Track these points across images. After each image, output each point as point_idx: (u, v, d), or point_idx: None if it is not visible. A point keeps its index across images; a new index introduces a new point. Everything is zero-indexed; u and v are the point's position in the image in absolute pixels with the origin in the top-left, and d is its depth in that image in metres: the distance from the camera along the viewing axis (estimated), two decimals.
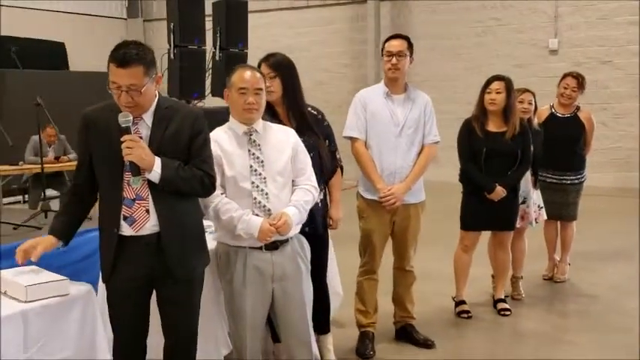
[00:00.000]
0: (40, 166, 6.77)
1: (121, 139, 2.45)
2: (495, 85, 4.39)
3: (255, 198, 2.87)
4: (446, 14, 11.76)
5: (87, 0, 13.96)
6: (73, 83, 9.81)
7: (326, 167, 3.42)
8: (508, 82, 4.40)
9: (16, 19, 11.93)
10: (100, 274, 2.69)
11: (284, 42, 13.02)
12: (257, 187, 2.88)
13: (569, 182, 5.17)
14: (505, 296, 4.78)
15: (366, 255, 3.97)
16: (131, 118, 2.49)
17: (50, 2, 13.02)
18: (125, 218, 2.52)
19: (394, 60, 3.81)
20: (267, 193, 2.88)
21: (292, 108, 3.40)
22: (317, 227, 3.38)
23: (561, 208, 5.20)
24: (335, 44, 12.77)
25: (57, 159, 7.70)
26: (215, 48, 6.35)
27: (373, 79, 11.82)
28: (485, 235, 4.74)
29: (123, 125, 2.47)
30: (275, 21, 13.29)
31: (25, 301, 2.45)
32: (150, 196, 2.53)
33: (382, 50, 3.90)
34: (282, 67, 3.41)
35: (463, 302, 4.63)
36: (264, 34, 13.01)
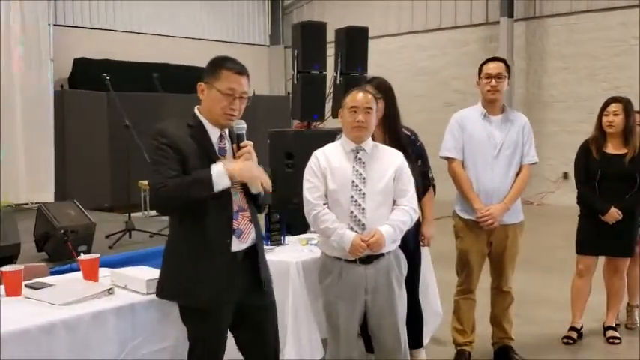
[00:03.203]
0: None
1: (241, 145, 2.57)
2: (613, 107, 4.32)
3: (352, 212, 3.06)
4: (583, 33, 11.35)
5: (232, 28, 14.99)
6: None
7: (416, 187, 3.55)
8: (626, 104, 4.31)
9: (169, 47, 13.09)
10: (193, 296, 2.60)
11: (417, 64, 13.19)
12: (356, 202, 3.07)
13: None
14: (617, 324, 4.60)
15: (463, 274, 4.04)
16: (246, 125, 2.60)
17: (200, 30, 14.11)
18: (233, 231, 2.57)
19: (493, 82, 3.89)
20: (364, 209, 3.07)
21: (391, 129, 3.59)
22: (407, 243, 3.52)
23: None
24: (467, 66, 12.68)
25: None
26: (336, 72, 6.65)
27: (504, 100, 11.63)
28: (602, 260, 4.60)
29: (239, 132, 2.59)
30: (408, 43, 13.49)
31: (146, 293, 2.75)
32: (249, 208, 2.65)
33: (479, 72, 3.98)
34: (386, 89, 3.62)
35: (572, 329, 4.52)
36: (396, 57, 13.26)
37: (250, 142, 2.62)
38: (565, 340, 4.45)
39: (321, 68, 6.40)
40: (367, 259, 3.09)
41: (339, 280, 3.12)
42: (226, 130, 2.67)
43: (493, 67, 3.91)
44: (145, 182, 8.71)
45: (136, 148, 5.81)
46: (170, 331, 2.82)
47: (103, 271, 3.08)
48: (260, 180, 2.54)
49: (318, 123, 6.70)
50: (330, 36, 6.73)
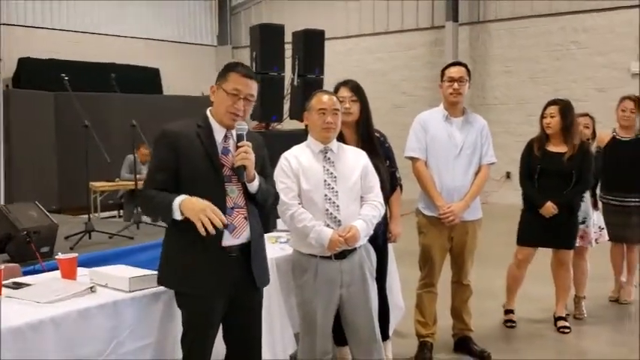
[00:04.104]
0: (134, 182, 7.39)
1: (238, 144, 2.66)
2: (550, 109, 4.64)
3: (327, 209, 3.19)
4: (525, 38, 11.82)
5: (180, 28, 14.89)
6: (166, 106, 10.57)
7: (385, 186, 3.65)
8: (563, 106, 4.60)
9: (115, 46, 12.93)
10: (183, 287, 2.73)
11: (365, 67, 13.41)
12: (330, 199, 3.20)
13: (633, 205, 5.20)
14: (567, 315, 4.88)
15: (426, 269, 4.21)
16: (247, 127, 2.73)
17: (145, 30, 13.96)
18: (226, 226, 2.64)
19: (456, 85, 4.08)
20: (338, 206, 3.20)
21: (364, 131, 3.71)
22: (377, 239, 3.64)
23: (626, 231, 5.24)
24: (414, 68, 13.04)
25: None
26: (293, 74, 6.77)
27: None
28: (548, 254, 4.86)
29: (239, 132, 2.69)
30: (356, 47, 13.72)
31: (129, 291, 2.80)
32: (246, 205, 2.73)
33: (442, 76, 4.17)
34: (360, 92, 3.74)
35: (511, 312, 4.86)
36: (345, 59, 13.45)
37: (248, 143, 2.69)
38: (509, 324, 4.79)
39: (279, 70, 6.51)
40: (341, 255, 3.22)
41: (315, 277, 3.22)
42: (233, 132, 2.76)
43: (455, 71, 4.10)
44: (97, 184, 8.61)
45: (93, 148, 5.76)
46: (153, 328, 2.87)
47: (79, 271, 3.10)
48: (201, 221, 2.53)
49: (276, 124, 6.81)
50: (286, 37, 6.85)
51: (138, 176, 7.37)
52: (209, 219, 2.52)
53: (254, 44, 6.49)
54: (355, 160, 3.33)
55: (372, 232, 3.32)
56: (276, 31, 6.57)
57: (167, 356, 2.96)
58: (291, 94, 6.79)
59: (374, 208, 3.27)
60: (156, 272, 2.93)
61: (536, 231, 4.62)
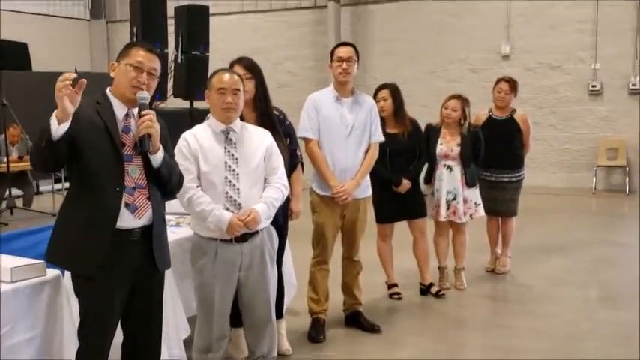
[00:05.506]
0: (5, 165, 6.92)
1: (142, 113, 2.56)
2: (382, 93, 4.83)
3: (227, 193, 3.12)
4: (403, 20, 12.12)
5: (49, 1, 14.00)
6: (37, 83, 9.91)
7: (285, 165, 3.53)
8: (392, 89, 4.84)
9: None
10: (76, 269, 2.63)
11: (248, 45, 13.20)
12: (230, 182, 3.13)
13: (506, 180, 5.53)
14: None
15: (319, 247, 4.26)
16: (149, 97, 2.63)
17: (12, 3, 13.00)
18: (127, 206, 2.56)
19: (345, 65, 4.13)
20: (238, 189, 3.13)
21: (262, 109, 3.66)
22: (277, 218, 3.55)
23: (500, 205, 5.56)
24: (298, 47, 13.04)
25: (20, 158, 7.85)
26: (177, 51, 6.58)
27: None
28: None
29: (141, 101, 2.59)
30: (238, 24, 13.49)
31: (11, 281, 2.64)
32: (148, 186, 2.64)
33: (331, 56, 4.21)
34: (255, 69, 3.69)
35: (394, 285, 5.06)
36: (227, 37, 13.20)
37: (152, 112, 2.60)
38: (395, 296, 5.00)
39: (162, 46, 6.30)
40: (242, 238, 3.17)
41: (214, 260, 3.16)
42: (134, 110, 2.64)
43: (344, 52, 4.15)
44: None
45: None
46: (38, 320, 2.74)
47: None
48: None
49: (159, 102, 6.61)
50: (169, 12, 6.63)
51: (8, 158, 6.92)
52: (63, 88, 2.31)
53: (135, 18, 6.23)
54: (259, 141, 3.26)
55: (273, 214, 3.28)
56: (158, 3, 6.33)
57: (54, 349, 2.83)
58: (175, 72, 6.60)
59: (277, 191, 3.24)
60: (38, 261, 2.80)
61: (392, 208, 4.84)
